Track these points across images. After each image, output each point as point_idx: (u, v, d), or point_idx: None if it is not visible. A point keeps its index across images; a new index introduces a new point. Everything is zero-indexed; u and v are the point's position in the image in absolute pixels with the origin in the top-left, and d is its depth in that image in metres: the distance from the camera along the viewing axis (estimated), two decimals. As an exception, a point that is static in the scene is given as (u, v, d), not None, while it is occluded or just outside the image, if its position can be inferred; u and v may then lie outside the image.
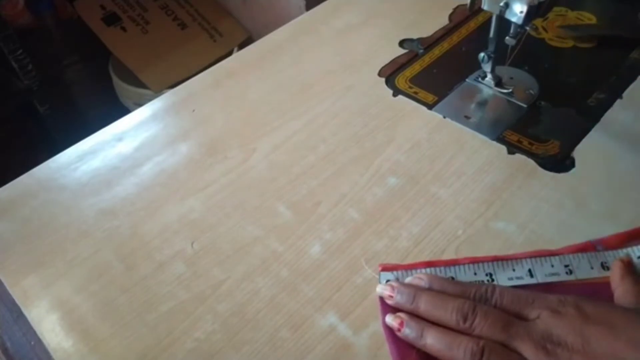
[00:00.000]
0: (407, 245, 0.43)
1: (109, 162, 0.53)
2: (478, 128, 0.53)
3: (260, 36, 0.68)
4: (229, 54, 1.24)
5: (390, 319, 0.36)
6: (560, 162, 0.49)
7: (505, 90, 0.57)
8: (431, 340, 0.34)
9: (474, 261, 0.40)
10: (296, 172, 0.50)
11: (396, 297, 0.37)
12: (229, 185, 0.50)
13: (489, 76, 0.57)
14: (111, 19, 1.36)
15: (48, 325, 0.40)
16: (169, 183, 0.50)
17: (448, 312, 0.35)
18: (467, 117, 0.55)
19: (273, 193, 0.48)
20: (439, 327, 0.35)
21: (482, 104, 0.57)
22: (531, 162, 0.50)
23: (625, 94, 0.56)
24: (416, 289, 0.37)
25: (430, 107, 0.56)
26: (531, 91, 0.57)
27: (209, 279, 0.42)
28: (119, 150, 0.54)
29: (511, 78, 0.58)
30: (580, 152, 0.50)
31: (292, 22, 0.70)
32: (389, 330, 0.36)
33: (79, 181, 0.51)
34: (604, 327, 0.32)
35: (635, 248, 0.40)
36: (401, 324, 0.36)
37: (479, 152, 0.51)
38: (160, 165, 0.52)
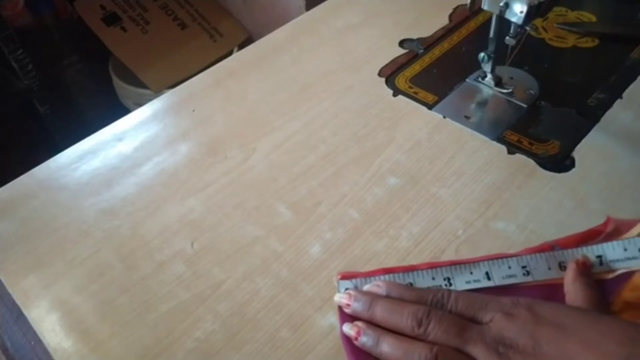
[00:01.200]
0: (407, 245, 0.44)
1: (109, 162, 0.53)
2: (478, 128, 0.53)
3: (260, 36, 0.68)
4: (229, 54, 1.24)
5: (347, 328, 0.36)
6: (560, 162, 0.49)
7: (505, 90, 0.57)
8: (387, 348, 0.34)
9: (432, 266, 0.40)
10: (296, 172, 0.50)
11: (353, 305, 0.37)
12: (229, 185, 0.50)
13: (489, 76, 0.57)
14: (111, 19, 1.36)
15: (48, 325, 0.40)
16: (169, 183, 0.50)
17: (403, 319, 0.35)
18: (467, 117, 0.55)
19: (273, 193, 0.48)
20: (396, 334, 0.35)
21: (482, 104, 0.57)
22: (531, 162, 0.50)
23: (625, 94, 0.56)
24: (373, 297, 0.37)
25: (430, 107, 0.56)
26: (531, 91, 0.57)
27: (209, 279, 0.42)
28: (119, 150, 0.54)
29: (511, 78, 0.58)
30: (580, 152, 0.50)
31: (292, 22, 0.70)
32: (347, 339, 0.36)
33: (79, 181, 0.51)
34: (555, 329, 0.32)
35: (593, 247, 0.40)
36: (358, 332, 0.36)
37: (479, 152, 0.51)
38: (160, 165, 0.52)
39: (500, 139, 0.52)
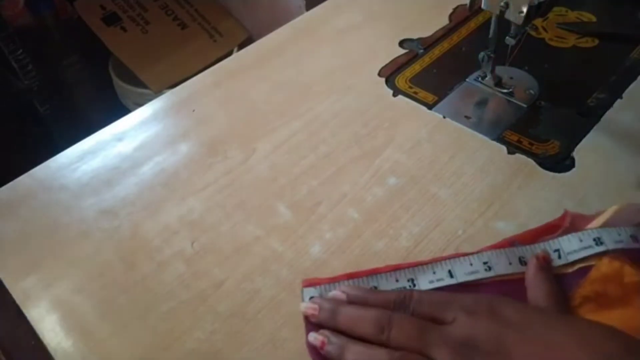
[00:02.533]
0: (407, 245, 0.44)
1: (109, 162, 0.53)
2: (478, 128, 0.53)
3: (260, 36, 0.68)
4: (229, 54, 1.24)
5: (312, 338, 0.36)
6: (560, 162, 0.49)
7: (505, 90, 0.57)
8: (352, 356, 0.34)
9: (396, 268, 0.40)
10: (296, 172, 0.50)
11: (318, 315, 0.37)
12: (229, 185, 0.50)
13: (489, 76, 0.57)
14: (111, 19, 1.36)
15: (48, 325, 0.40)
16: (169, 183, 0.50)
17: (366, 326, 0.35)
18: (467, 117, 0.55)
19: (273, 193, 0.48)
20: (360, 342, 0.35)
21: (482, 104, 0.57)
22: (531, 162, 0.50)
23: (625, 94, 0.56)
24: (336, 305, 0.37)
25: (430, 107, 0.56)
26: (531, 91, 0.57)
27: (209, 279, 0.42)
28: (119, 150, 0.54)
29: (511, 78, 0.58)
30: (580, 152, 0.50)
31: (292, 22, 0.70)
32: (313, 348, 0.36)
33: (79, 181, 0.51)
34: (519, 330, 0.32)
35: (551, 242, 0.40)
36: (323, 342, 0.35)
37: (479, 152, 0.51)
38: (161, 165, 0.52)
39: (500, 139, 0.52)
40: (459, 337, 0.32)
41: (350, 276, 0.40)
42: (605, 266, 0.38)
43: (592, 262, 0.38)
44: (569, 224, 0.41)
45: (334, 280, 0.40)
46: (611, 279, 0.37)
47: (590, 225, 0.41)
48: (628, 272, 0.37)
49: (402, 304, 0.36)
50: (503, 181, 0.48)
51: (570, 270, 0.39)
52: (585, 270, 0.38)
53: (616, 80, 0.57)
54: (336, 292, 0.38)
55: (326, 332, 0.36)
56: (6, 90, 1.25)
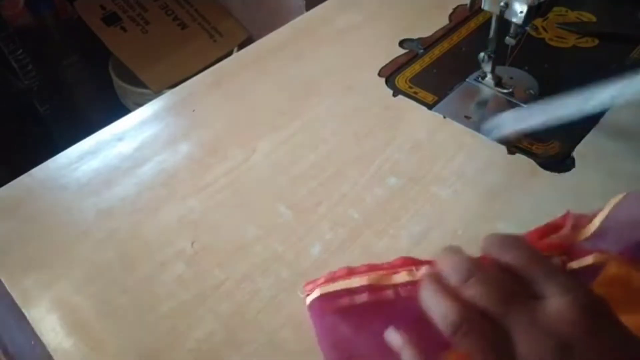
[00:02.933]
0: (407, 245, 0.44)
1: (109, 162, 0.53)
2: (478, 128, 0.53)
3: (260, 36, 0.68)
4: (229, 54, 1.24)
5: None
6: (560, 162, 0.49)
7: (505, 90, 0.57)
8: (433, 304, 0.30)
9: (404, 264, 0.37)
10: (296, 172, 0.50)
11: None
12: (229, 185, 0.50)
13: (489, 76, 0.57)
14: (111, 19, 1.36)
15: (48, 325, 0.40)
16: (169, 183, 0.50)
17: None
18: (467, 117, 0.55)
19: (273, 193, 0.48)
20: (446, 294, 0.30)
21: (482, 103, 0.57)
22: (531, 162, 0.50)
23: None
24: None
25: (430, 107, 0.56)
26: (531, 91, 0.57)
27: (209, 279, 0.42)
28: (119, 150, 0.54)
29: (511, 78, 0.58)
30: (580, 152, 0.50)
31: (292, 22, 0.70)
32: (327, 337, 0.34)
33: (79, 181, 0.51)
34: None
35: None
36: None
37: (479, 152, 0.51)
38: (161, 165, 0.52)
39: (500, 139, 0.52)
40: (553, 326, 0.26)
41: (350, 272, 0.39)
42: (614, 269, 0.37)
43: (602, 260, 0.37)
44: (572, 224, 0.41)
45: (333, 279, 0.39)
46: (618, 282, 0.36)
47: (592, 222, 0.41)
48: (636, 277, 0.36)
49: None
50: (503, 181, 0.48)
51: (576, 265, 0.37)
52: (595, 270, 0.37)
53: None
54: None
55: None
56: (6, 90, 1.25)
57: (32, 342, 0.41)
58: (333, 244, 0.44)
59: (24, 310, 0.42)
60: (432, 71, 0.61)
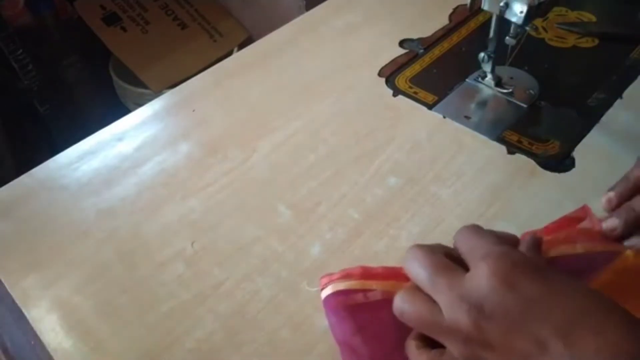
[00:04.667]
0: (407, 245, 0.43)
1: (109, 162, 0.53)
2: (478, 128, 0.53)
3: (260, 36, 0.68)
4: (229, 54, 1.24)
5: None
6: (560, 162, 0.49)
7: (505, 90, 0.57)
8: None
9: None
10: (296, 172, 0.50)
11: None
12: (229, 185, 0.50)
13: (489, 76, 0.57)
14: (111, 19, 1.36)
15: (48, 325, 0.40)
16: (169, 183, 0.50)
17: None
18: (467, 117, 0.55)
19: (273, 193, 0.48)
20: None
21: (482, 104, 0.57)
22: (531, 162, 0.50)
23: (625, 94, 0.55)
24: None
25: (430, 107, 0.56)
26: (531, 91, 0.57)
27: (209, 279, 0.42)
28: (119, 150, 0.54)
29: (511, 78, 0.58)
30: (580, 152, 0.50)
31: (292, 22, 0.70)
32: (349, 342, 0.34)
33: (79, 181, 0.51)
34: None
35: None
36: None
37: (479, 152, 0.51)
38: (161, 165, 0.52)
39: (500, 139, 0.52)
40: (477, 299, 0.28)
41: (365, 272, 0.38)
42: (631, 259, 0.36)
43: (620, 249, 0.37)
44: (590, 217, 0.41)
45: (349, 277, 0.38)
46: (634, 273, 0.36)
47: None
48: None
49: None
50: (503, 181, 0.48)
51: (581, 250, 0.37)
52: (610, 256, 0.36)
53: (616, 80, 0.57)
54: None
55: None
56: (6, 90, 1.25)
57: (32, 342, 0.41)
58: (333, 244, 0.44)
59: (24, 310, 0.42)
60: (432, 71, 0.61)
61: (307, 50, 0.65)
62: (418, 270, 0.31)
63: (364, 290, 0.36)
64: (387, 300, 0.36)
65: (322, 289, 0.37)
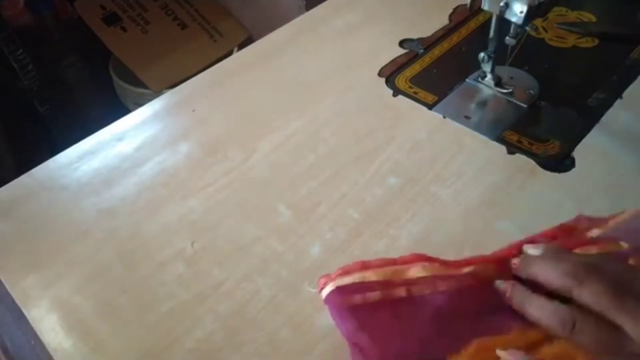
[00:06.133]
0: (407, 245, 0.43)
1: (109, 162, 0.53)
2: (478, 128, 0.53)
3: (260, 36, 0.68)
4: (229, 54, 1.24)
5: (499, 283, 0.36)
6: (560, 162, 0.49)
7: (505, 90, 0.57)
8: (534, 309, 0.34)
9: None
10: (296, 172, 0.50)
11: (517, 267, 0.37)
12: (229, 185, 0.50)
13: (489, 76, 0.57)
14: (111, 19, 1.36)
15: (48, 325, 0.40)
16: (169, 183, 0.50)
17: (558, 277, 0.34)
18: (467, 117, 0.55)
19: (273, 193, 0.48)
20: (544, 296, 0.34)
21: (482, 104, 0.57)
22: (531, 162, 0.50)
23: (625, 94, 0.56)
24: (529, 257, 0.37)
25: (430, 107, 0.56)
26: (531, 91, 0.57)
27: (209, 279, 0.42)
28: (119, 150, 0.54)
29: (511, 78, 0.58)
30: (580, 152, 0.50)
31: (292, 22, 0.70)
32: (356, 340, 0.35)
33: (79, 181, 0.51)
34: None
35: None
36: (506, 290, 0.36)
37: (479, 152, 0.51)
38: (161, 165, 0.52)
39: (500, 139, 0.52)
40: None
41: (364, 266, 0.38)
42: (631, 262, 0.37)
43: (611, 250, 0.38)
44: (585, 226, 0.41)
45: (348, 272, 0.38)
46: None
47: (606, 224, 0.40)
48: None
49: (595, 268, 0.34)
50: (503, 181, 0.48)
51: (619, 249, 0.38)
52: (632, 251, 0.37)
53: (616, 80, 0.57)
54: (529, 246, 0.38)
55: (512, 281, 0.36)
56: (6, 90, 1.25)
57: (32, 342, 0.41)
58: (333, 244, 0.44)
59: (24, 310, 0.42)
60: (432, 71, 0.61)
61: (307, 50, 0.65)
62: (598, 288, 0.32)
63: (363, 289, 0.36)
64: (388, 301, 0.36)
65: (322, 289, 0.37)
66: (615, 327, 0.31)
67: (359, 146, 0.52)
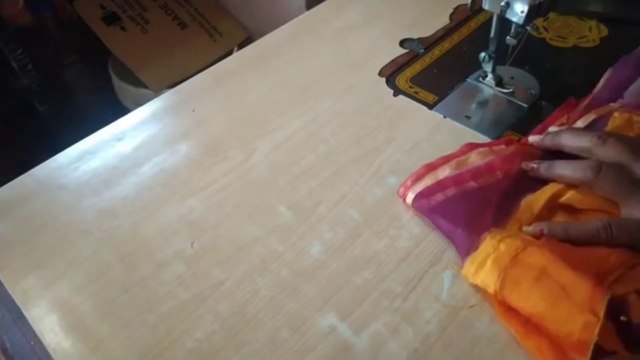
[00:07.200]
0: (407, 245, 0.43)
1: (109, 162, 0.53)
2: (479, 128, 0.53)
3: (260, 36, 0.68)
4: (229, 54, 1.24)
5: (525, 165, 0.45)
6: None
7: (506, 90, 0.57)
8: (558, 169, 0.41)
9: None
10: (296, 172, 0.50)
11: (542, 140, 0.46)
12: (229, 185, 0.49)
13: (490, 76, 0.57)
14: (111, 19, 1.36)
15: (48, 325, 0.40)
16: (169, 183, 0.50)
17: (582, 139, 0.41)
18: (467, 117, 0.54)
19: (273, 193, 0.48)
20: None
21: (483, 103, 0.57)
22: (532, 162, 0.49)
23: (625, 94, 0.55)
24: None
25: (430, 106, 0.56)
26: (532, 91, 0.57)
27: (209, 279, 0.42)
28: (119, 150, 0.54)
29: (512, 78, 0.58)
30: (580, 152, 0.50)
31: (292, 21, 0.70)
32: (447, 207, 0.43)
33: (79, 181, 0.51)
34: None
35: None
36: (532, 167, 0.44)
37: (480, 152, 0.51)
38: (160, 165, 0.52)
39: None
40: None
41: (429, 167, 0.47)
42: (617, 119, 0.45)
43: (604, 112, 0.47)
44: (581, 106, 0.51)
45: (419, 178, 0.46)
46: (624, 128, 0.44)
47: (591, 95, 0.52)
48: (637, 120, 0.44)
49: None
50: (503, 181, 0.48)
51: (583, 124, 0.47)
52: (601, 124, 0.45)
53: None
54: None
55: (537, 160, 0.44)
56: (6, 90, 1.25)
57: (32, 342, 0.41)
58: (333, 244, 0.44)
59: (23, 310, 0.42)
60: (432, 71, 0.61)
61: (307, 50, 0.65)
62: (619, 145, 0.40)
63: (441, 187, 0.45)
64: (461, 194, 0.44)
65: (405, 199, 0.45)
66: (635, 178, 0.37)
67: (359, 146, 0.52)
